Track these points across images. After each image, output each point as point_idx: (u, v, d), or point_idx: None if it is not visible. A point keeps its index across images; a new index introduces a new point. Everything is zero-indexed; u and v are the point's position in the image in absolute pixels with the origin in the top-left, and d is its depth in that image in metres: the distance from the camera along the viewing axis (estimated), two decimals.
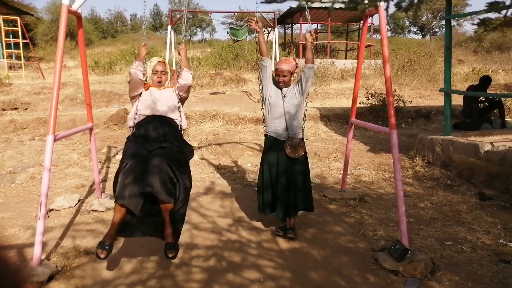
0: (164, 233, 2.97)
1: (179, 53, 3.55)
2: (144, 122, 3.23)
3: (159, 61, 3.39)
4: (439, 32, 41.35)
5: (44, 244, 3.29)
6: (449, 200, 4.72)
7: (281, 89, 3.69)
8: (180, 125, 3.37)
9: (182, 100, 3.48)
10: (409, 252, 3.16)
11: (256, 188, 4.18)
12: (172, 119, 3.32)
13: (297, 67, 3.73)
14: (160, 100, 3.27)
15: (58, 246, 3.52)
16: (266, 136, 3.79)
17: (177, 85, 3.42)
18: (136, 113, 3.27)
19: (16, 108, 9.78)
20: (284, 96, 3.66)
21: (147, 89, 3.35)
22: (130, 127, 3.32)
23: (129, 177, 2.83)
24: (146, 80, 3.37)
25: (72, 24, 18.85)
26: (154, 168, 2.86)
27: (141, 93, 3.34)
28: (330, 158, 6.52)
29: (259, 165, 3.93)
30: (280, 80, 3.63)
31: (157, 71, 3.35)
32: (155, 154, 2.98)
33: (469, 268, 3.13)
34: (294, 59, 3.73)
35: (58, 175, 5.67)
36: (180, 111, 3.39)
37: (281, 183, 3.64)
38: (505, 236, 3.69)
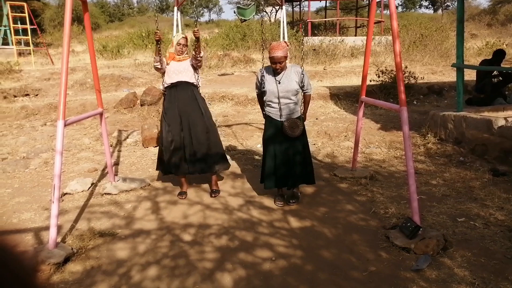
0: (211, 183, 4.42)
1: (196, 38, 4.01)
2: (171, 88, 4.19)
3: (182, 37, 4.21)
4: (451, 6, 40.31)
5: (59, 227, 3.36)
6: (462, 176, 4.67)
7: (275, 75, 3.81)
8: (197, 84, 4.32)
9: (197, 68, 4.29)
10: (421, 229, 3.15)
11: None
12: (191, 82, 4.24)
13: (288, 47, 3.89)
14: (180, 71, 4.17)
15: (73, 229, 3.59)
16: (265, 115, 4.01)
17: (193, 61, 4.19)
18: (164, 81, 4.25)
19: (27, 95, 9.87)
20: (279, 82, 3.79)
21: (169, 63, 4.20)
22: (163, 90, 4.33)
23: (173, 158, 4.19)
24: (166, 55, 4.24)
25: (79, 8, 18.79)
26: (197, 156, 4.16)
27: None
28: (340, 137, 6.48)
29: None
30: (278, 67, 3.74)
31: (180, 43, 4.17)
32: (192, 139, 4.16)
33: (482, 244, 3.12)
34: (285, 42, 3.88)
35: (71, 159, 5.75)
36: (195, 75, 4.27)
37: (282, 159, 3.87)
38: None
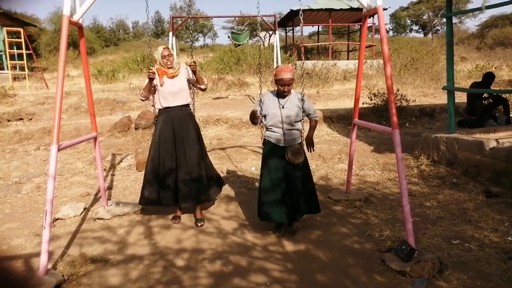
0: (195, 212, 4.23)
1: (193, 72, 4.04)
2: (167, 111, 4.06)
3: (164, 48, 4.06)
4: (441, 30, 41.26)
5: (50, 253, 3.30)
6: (456, 198, 4.69)
7: (278, 99, 3.71)
8: (192, 100, 4.26)
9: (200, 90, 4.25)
10: (416, 252, 3.13)
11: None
12: (187, 104, 4.15)
13: (295, 71, 3.92)
14: (176, 92, 4.04)
15: (64, 255, 3.53)
16: (265, 141, 3.82)
17: (197, 87, 4.19)
18: (159, 103, 4.08)
19: (21, 119, 9.86)
20: (283, 107, 3.67)
21: (162, 82, 4.01)
22: (155, 115, 4.24)
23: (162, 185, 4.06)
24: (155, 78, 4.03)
25: (74, 34, 18.99)
26: (187, 188, 4.01)
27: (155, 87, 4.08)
28: (334, 159, 6.51)
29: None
30: (286, 90, 3.62)
31: (164, 55, 4.00)
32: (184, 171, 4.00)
33: (477, 267, 3.11)
34: (292, 66, 3.72)
35: (64, 184, 5.70)
36: (191, 93, 4.20)
37: (283, 188, 3.64)
38: None
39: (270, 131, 3.74)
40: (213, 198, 4.31)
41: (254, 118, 3.73)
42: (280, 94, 3.68)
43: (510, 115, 7.80)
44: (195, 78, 4.07)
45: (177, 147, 4.03)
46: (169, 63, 4.03)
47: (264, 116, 3.75)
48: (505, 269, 3.05)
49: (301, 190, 3.70)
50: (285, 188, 3.64)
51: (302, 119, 3.80)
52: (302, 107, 3.73)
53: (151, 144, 4.17)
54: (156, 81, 4.02)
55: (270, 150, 3.74)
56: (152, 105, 4.18)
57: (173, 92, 4.02)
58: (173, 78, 4.04)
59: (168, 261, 3.39)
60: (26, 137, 8.35)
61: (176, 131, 4.03)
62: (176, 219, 4.22)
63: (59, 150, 3.26)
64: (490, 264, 3.13)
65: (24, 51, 14.84)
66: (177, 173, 4.02)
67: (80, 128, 8.47)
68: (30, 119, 9.96)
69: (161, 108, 4.08)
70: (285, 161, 3.64)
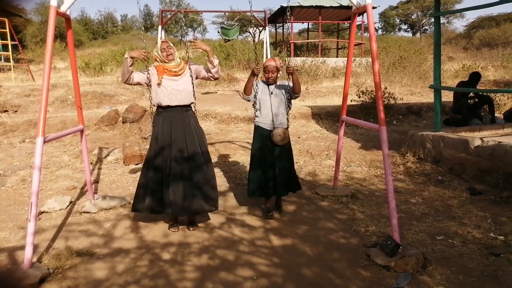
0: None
1: (199, 48, 3.77)
2: (167, 111, 3.73)
3: (162, 41, 3.76)
4: (429, 30, 41.61)
5: (35, 247, 3.27)
6: (440, 195, 4.76)
7: (268, 86, 4.10)
8: (194, 101, 3.88)
9: (212, 79, 3.90)
10: (401, 247, 3.18)
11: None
12: (188, 105, 3.82)
13: (281, 65, 4.11)
14: (179, 91, 3.70)
15: (49, 248, 3.49)
16: (255, 126, 4.18)
17: (207, 74, 3.81)
18: (158, 101, 3.72)
19: (5, 111, 9.70)
20: (271, 93, 4.09)
21: (160, 82, 3.65)
22: (152, 112, 3.91)
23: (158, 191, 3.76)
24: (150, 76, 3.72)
25: (62, 25, 18.71)
26: (185, 196, 3.71)
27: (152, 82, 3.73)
28: (322, 156, 6.55)
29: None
30: (270, 76, 4.03)
31: (164, 48, 3.69)
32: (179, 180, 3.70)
33: (460, 262, 3.16)
34: (278, 59, 4.11)
35: (49, 177, 5.63)
36: (194, 93, 3.83)
37: (270, 166, 4.05)
38: (495, 230, 3.73)
39: (260, 116, 4.12)
40: (208, 210, 3.90)
41: (249, 83, 4.00)
42: (267, 82, 4.09)
43: (495, 115, 7.94)
44: (211, 73, 3.76)
45: (175, 153, 3.69)
46: (170, 55, 3.68)
47: (256, 100, 4.13)
48: (486, 265, 3.11)
49: (286, 168, 4.12)
50: (273, 167, 4.05)
51: (289, 106, 4.17)
52: (288, 88, 4.09)
53: (150, 148, 3.80)
54: (153, 79, 3.69)
55: (260, 134, 4.12)
56: (150, 103, 3.84)
57: (176, 90, 3.67)
58: (175, 76, 3.69)
59: (155, 254, 3.38)
60: (11, 129, 8.22)
61: (176, 135, 3.70)
62: (175, 227, 3.88)
63: (45, 142, 3.22)
64: (473, 260, 3.19)
65: (9, 42, 14.56)
66: (174, 181, 3.68)
67: (66, 121, 8.36)
68: (15, 111, 9.79)
69: (160, 107, 3.74)
70: (271, 143, 4.03)
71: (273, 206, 4.32)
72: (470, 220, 3.98)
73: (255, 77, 3.98)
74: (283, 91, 4.11)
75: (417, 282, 2.88)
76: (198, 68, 3.84)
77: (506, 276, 2.93)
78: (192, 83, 3.78)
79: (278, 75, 4.12)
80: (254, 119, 4.19)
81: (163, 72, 3.67)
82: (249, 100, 4.13)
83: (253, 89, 4.06)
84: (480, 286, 2.84)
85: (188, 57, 4.08)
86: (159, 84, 3.65)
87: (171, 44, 3.77)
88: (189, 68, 3.79)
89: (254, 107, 4.18)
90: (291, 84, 4.05)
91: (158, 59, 3.73)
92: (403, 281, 2.87)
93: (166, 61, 3.69)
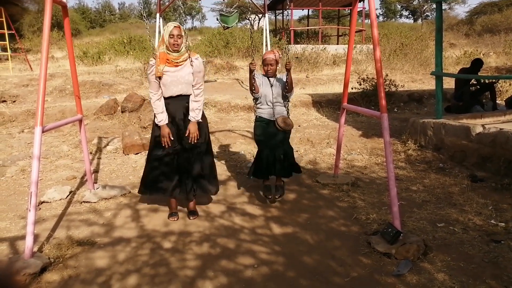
0: (188, 204, 3.98)
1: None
2: (168, 100, 3.66)
3: (175, 26, 3.47)
4: (430, 16, 41.28)
5: (36, 236, 3.27)
6: (441, 182, 4.75)
7: (269, 79, 4.20)
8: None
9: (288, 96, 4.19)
10: (402, 234, 3.18)
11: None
12: (189, 94, 3.71)
13: (280, 57, 4.18)
14: (180, 82, 3.59)
15: (50, 238, 3.50)
16: (257, 117, 4.27)
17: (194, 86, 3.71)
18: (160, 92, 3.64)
19: (4, 101, 9.64)
20: (272, 85, 4.19)
21: (160, 73, 3.49)
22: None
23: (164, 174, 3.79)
24: (158, 50, 3.54)
25: (59, 14, 18.54)
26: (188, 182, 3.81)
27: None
28: (322, 144, 6.52)
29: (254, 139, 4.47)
30: (269, 69, 4.14)
31: (173, 35, 3.45)
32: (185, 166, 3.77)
33: (461, 249, 3.16)
34: (277, 51, 4.17)
35: (49, 167, 5.62)
36: (195, 84, 3.70)
37: (276, 148, 4.08)
38: (496, 217, 3.73)
39: (262, 108, 4.22)
40: (211, 193, 4.02)
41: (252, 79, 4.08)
42: (267, 75, 4.20)
43: (497, 101, 7.90)
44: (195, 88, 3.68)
45: (179, 138, 3.74)
46: (176, 45, 3.47)
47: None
48: (487, 251, 3.11)
49: (288, 152, 4.18)
50: (278, 150, 4.08)
51: (288, 97, 4.29)
52: (285, 83, 4.13)
53: (153, 134, 3.79)
54: (155, 71, 3.54)
55: (262, 123, 4.23)
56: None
57: (177, 81, 3.57)
58: (175, 66, 3.56)
59: (156, 243, 3.38)
60: (10, 120, 8.18)
61: (179, 121, 3.71)
62: (174, 216, 3.88)
63: (43, 132, 3.20)
64: (473, 247, 3.19)
65: (6, 31, 14.42)
66: (179, 164, 3.76)
67: (65, 110, 8.32)
68: (14, 101, 9.74)
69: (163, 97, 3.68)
70: (275, 129, 4.13)
71: (273, 185, 4.21)
72: (471, 207, 3.98)
73: (253, 72, 4.00)
74: (282, 84, 4.20)
75: (418, 269, 2.88)
76: (196, 70, 3.65)
77: (507, 262, 2.94)
78: (192, 73, 3.65)
79: (278, 67, 4.20)
80: (255, 111, 4.30)
81: (164, 61, 3.51)
82: (260, 97, 4.20)
83: (257, 85, 4.13)
84: (480, 272, 2.84)
85: (188, 46, 3.91)
86: (160, 77, 3.53)
87: (183, 33, 3.52)
88: (191, 64, 3.62)
89: (254, 98, 4.25)
90: (286, 76, 4.12)
91: (164, 41, 3.49)
92: (404, 268, 2.87)
93: (170, 50, 3.49)
